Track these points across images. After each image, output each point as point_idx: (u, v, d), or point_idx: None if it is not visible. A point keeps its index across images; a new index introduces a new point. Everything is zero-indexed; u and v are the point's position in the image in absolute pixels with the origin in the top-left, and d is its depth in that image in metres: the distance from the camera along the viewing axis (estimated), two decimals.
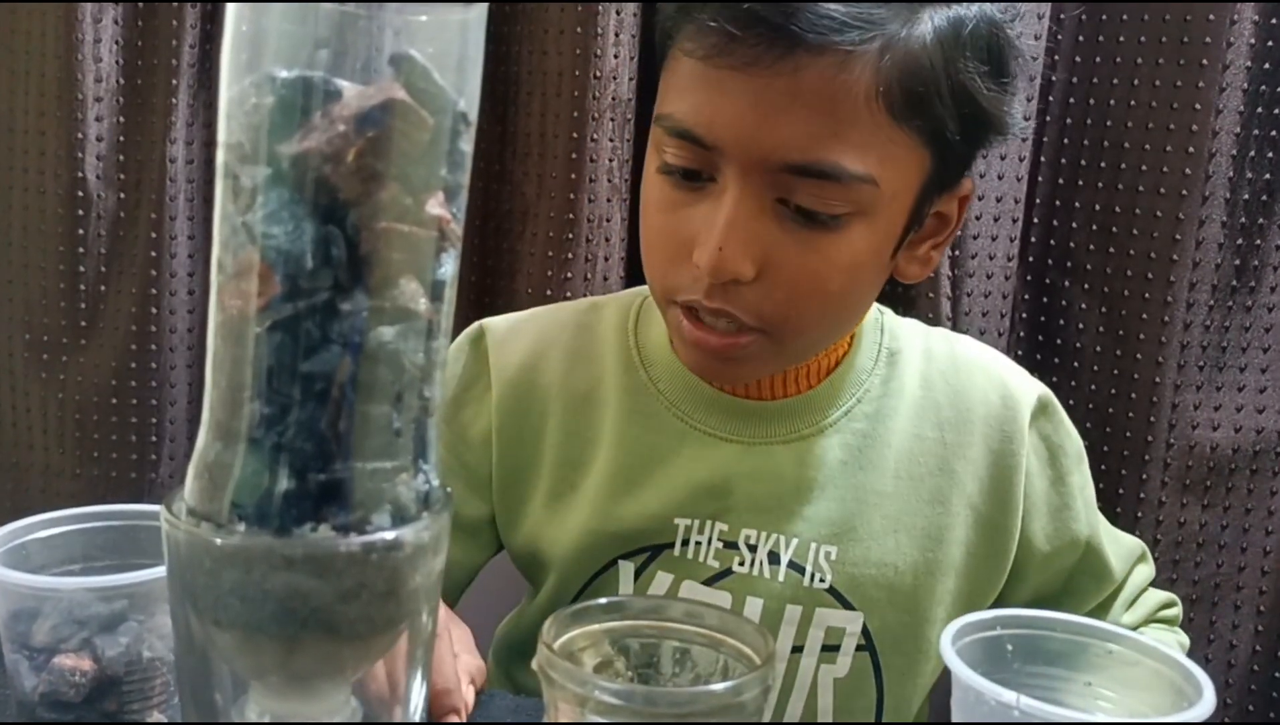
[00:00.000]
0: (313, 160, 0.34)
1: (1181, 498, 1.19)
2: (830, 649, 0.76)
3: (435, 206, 0.36)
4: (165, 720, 0.48)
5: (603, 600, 0.45)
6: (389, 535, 0.36)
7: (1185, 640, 0.85)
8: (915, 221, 0.69)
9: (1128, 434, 1.18)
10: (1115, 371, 1.19)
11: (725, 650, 0.44)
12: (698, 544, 0.75)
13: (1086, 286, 1.19)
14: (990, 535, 0.77)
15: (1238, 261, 1.14)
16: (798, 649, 0.75)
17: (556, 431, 0.78)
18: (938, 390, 0.78)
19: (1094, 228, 1.18)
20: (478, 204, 1.26)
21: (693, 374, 0.75)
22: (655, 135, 0.69)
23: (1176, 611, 0.86)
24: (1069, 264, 1.20)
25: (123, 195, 1.33)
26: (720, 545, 0.75)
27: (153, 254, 1.32)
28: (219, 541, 0.35)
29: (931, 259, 0.73)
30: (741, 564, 0.75)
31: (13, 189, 1.34)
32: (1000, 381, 0.79)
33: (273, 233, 0.34)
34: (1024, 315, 1.24)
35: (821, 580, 0.75)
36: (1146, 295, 1.15)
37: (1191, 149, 1.11)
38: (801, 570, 0.75)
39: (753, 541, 0.75)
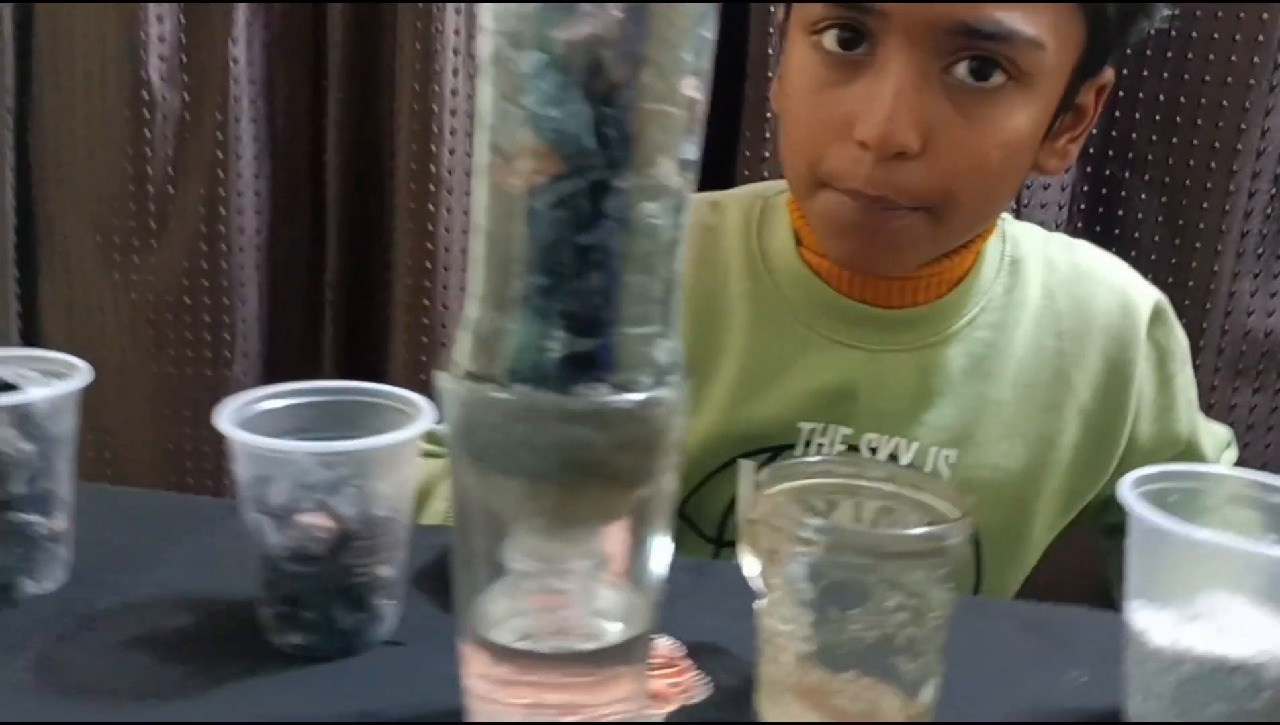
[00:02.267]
0: (585, 44, 0.37)
1: (1233, 382, 1.23)
2: None
3: (689, 89, 0.38)
4: (392, 573, 0.53)
5: (809, 459, 0.49)
6: (653, 393, 0.39)
7: None
8: (1065, 105, 0.70)
9: (1183, 320, 1.22)
10: (1173, 260, 1.22)
11: (923, 506, 0.48)
12: (819, 447, 0.78)
13: (1147, 177, 1.21)
14: (1099, 438, 0.81)
15: None
16: None
17: (686, 336, 0.80)
18: (1059, 300, 0.80)
19: (1157, 119, 1.19)
20: None
21: (842, 265, 0.75)
22: (802, 14, 0.68)
23: None
24: (1130, 155, 1.22)
25: (186, 96, 1.34)
26: (843, 448, 0.78)
27: (218, 155, 1.33)
28: (512, 399, 0.38)
29: (1069, 152, 0.74)
30: None
31: (75, 90, 1.35)
32: (1121, 291, 0.81)
33: (553, 115, 0.37)
34: (1082, 206, 1.26)
35: None
36: (1208, 185, 1.18)
37: (1261, 37, 1.12)
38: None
39: (874, 444, 0.78)
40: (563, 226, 0.37)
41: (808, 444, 0.79)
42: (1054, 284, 0.81)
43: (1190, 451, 0.84)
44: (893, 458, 0.78)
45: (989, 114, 0.66)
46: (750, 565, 0.52)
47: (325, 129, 1.34)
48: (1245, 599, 0.46)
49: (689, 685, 0.52)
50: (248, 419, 0.52)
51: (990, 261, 0.80)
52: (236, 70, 1.31)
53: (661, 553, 0.44)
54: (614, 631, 0.44)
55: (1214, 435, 0.88)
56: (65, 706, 0.47)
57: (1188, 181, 1.19)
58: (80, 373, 0.56)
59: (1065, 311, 0.80)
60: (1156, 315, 0.82)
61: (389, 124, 1.31)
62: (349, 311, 1.40)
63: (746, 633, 0.56)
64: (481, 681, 0.45)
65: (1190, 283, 1.21)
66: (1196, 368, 1.22)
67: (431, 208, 1.28)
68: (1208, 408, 1.23)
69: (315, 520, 0.49)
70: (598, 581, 0.44)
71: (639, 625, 0.44)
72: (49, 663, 0.50)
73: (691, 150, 0.39)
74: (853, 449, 0.78)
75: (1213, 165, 1.17)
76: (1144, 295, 0.82)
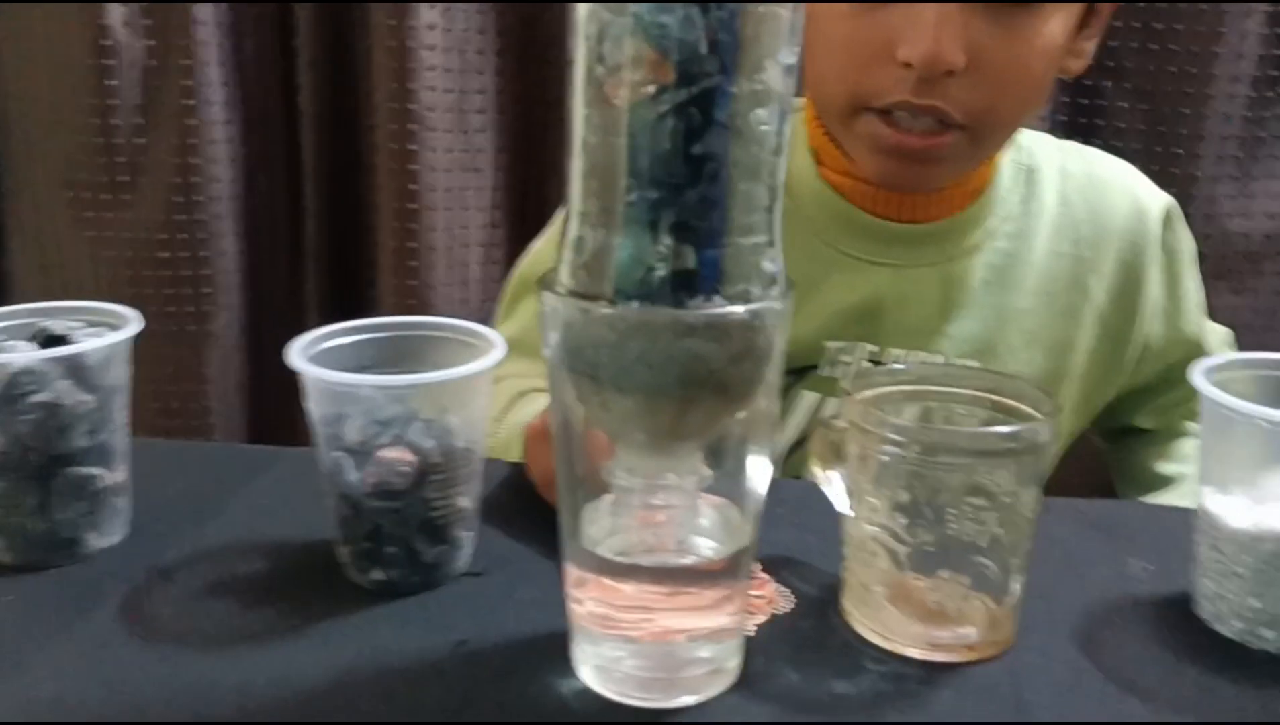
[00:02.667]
0: None
1: (1214, 284, 1.26)
2: None
3: None
4: (470, 505, 0.53)
5: (893, 367, 0.49)
6: (764, 304, 0.39)
7: None
8: (1089, 5, 0.71)
9: None
10: (1154, 167, 1.23)
11: (1004, 406, 0.49)
12: (845, 364, 0.79)
13: (1127, 85, 1.23)
14: (1113, 342, 0.83)
15: (1278, 52, 1.18)
16: None
17: None
18: (1076, 208, 0.81)
19: (1136, 25, 1.20)
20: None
21: (881, 183, 0.76)
22: None
23: None
24: (1110, 63, 1.23)
25: (151, 42, 1.29)
26: (868, 365, 0.79)
27: (188, 102, 1.29)
28: (625, 315, 0.38)
29: (1085, 51, 0.75)
30: None
31: (33, 40, 1.29)
32: (1134, 197, 0.82)
33: (664, 23, 0.36)
34: (1063, 118, 1.27)
35: None
36: (1187, 90, 1.19)
37: None
38: None
39: (898, 360, 0.79)
40: (674, 137, 0.37)
41: (832, 363, 0.79)
42: (1070, 191, 0.82)
43: (1197, 350, 0.87)
44: None
45: (1028, 24, 0.67)
46: (823, 475, 0.53)
47: (296, 70, 1.31)
48: None
49: (772, 597, 0.52)
50: (317, 356, 0.51)
51: (1006, 171, 0.81)
52: (200, 11, 1.26)
53: (762, 469, 0.44)
54: (717, 547, 0.45)
55: (1217, 334, 0.91)
56: (158, 656, 0.47)
57: (1167, 88, 1.21)
58: (131, 321, 0.54)
59: (1082, 219, 0.81)
60: (1167, 218, 0.83)
61: (364, 62, 1.28)
62: (332, 257, 1.37)
63: (815, 544, 0.57)
64: (586, 598, 0.45)
65: (1171, 188, 1.22)
66: None
67: (413, 147, 1.26)
68: None
69: (397, 455, 0.49)
70: (700, 498, 0.44)
71: (741, 541, 0.44)
72: (131, 614, 0.50)
73: (793, 54, 0.39)
74: (878, 365, 0.79)
75: (1192, 70, 1.19)
76: (1155, 199, 0.83)
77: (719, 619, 0.45)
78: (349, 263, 1.37)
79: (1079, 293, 0.81)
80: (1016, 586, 0.48)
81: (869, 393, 0.48)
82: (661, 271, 0.38)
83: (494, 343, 0.52)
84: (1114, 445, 0.96)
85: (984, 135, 0.71)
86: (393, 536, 0.50)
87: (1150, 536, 0.59)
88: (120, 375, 0.54)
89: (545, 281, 0.41)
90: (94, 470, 0.53)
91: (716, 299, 0.38)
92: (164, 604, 0.51)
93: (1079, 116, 1.26)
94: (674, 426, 0.40)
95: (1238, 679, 0.47)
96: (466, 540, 0.53)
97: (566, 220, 0.40)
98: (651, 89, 0.37)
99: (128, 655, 0.47)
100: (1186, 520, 0.53)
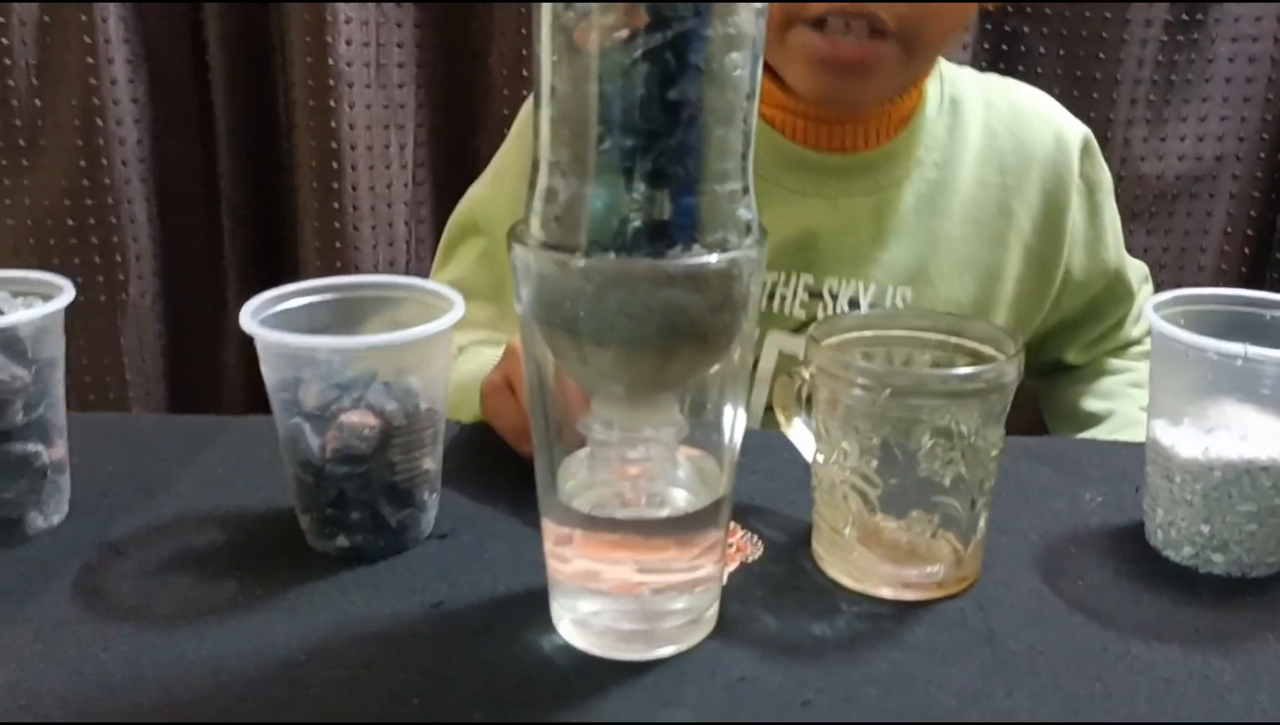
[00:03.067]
0: None
1: (1130, 225, 1.29)
2: None
3: None
4: (434, 467, 0.52)
5: (857, 312, 0.49)
6: (742, 252, 0.39)
7: None
8: None
9: None
10: (1070, 109, 1.26)
11: (964, 348, 0.49)
12: (783, 297, 0.80)
13: (1045, 30, 1.25)
14: (1039, 270, 0.84)
15: None
16: None
17: None
18: (1000, 138, 0.83)
19: None
20: None
21: (816, 99, 0.76)
22: None
23: None
24: (1028, 9, 1.25)
25: None
26: (806, 297, 0.80)
27: (88, 60, 1.23)
28: (604, 267, 0.37)
29: None
30: (825, 312, 0.80)
31: None
32: (1055, 126, 0.84)
33: None
34: (984, 64, 1.29)
35: None
36: (1103, 34, 1.22)
37: None
38: None
39: (834, 289, 0.80)
40: (648, 82, 0.36)
41: (770, 296, 0.80)
42: (994, 122, 0.84)
43: (1118, 282, 0.89)
44: (853, 301, 0.80)
45: None
46: (790, 422, 0.53)
47: (204, 23, 1.25)
48: (1253, 407, 0.49)
49: (742, 545, 0.53)
50: (270, 319, 0.49)
51: (932, 101, 0.82)
52: None
53: (738, 418, 0.44)
54: (694, 498, 0.44)
55: (1136, 268, 0.93)
56: (120, 634, 0.45)
57: (1082, 31, 1.23)
58: (64, 290, 0.52)
59: (1007, 149, 0.83)
60: (1086, 149, 0.86)
61: (276, 13, 1.23)
62: (251, 219, 1.33)
63: (777, 490, 0.57)
64: (564, 553, 0.44)
65: None
66: None
67: (332, 103, 1.22)
68: None
69: (360, 418, 0.47)
70: (677, 449, 0.44)
71: (718, 491, 0.44)
72: (87, 593, 0.48)
73: None
74: (814, 296, 0.80)
75: (1107, 14, 1.21)
76: (1074, 129, 0.86)
77: (699, 570, 0.45)
78: (270, 225, 1.33)
79: (1005, 220, 0.83)
80: (982, 523, 0.49)
81: (834, 338, 0.49)
82: (637, 221, 0.37)
83: (452, 301, 0.50)
84: (1044, 384, 0.98)
85: (914, 46, 0.72)
86: (357, 502, 0.49)
87: (1099, 469, 0.61)
88: (55, 347, 0.52)
89: (515, 234, 0.40)
90: (34, 447, 0.51)
91: (695, 247, 0.38)
92: (120, 581, 0.49)
93: (998, 60, 1.28)
94: (653, 378, 0.40)
95: (1191, 602, 0.49)
96: (431, 503, 0.52)
97: (534, 170, 0.39)
98: (624, 33, 0.36)
99: (87, 635, 0.45)
100: (1135, 453, 0.55)
